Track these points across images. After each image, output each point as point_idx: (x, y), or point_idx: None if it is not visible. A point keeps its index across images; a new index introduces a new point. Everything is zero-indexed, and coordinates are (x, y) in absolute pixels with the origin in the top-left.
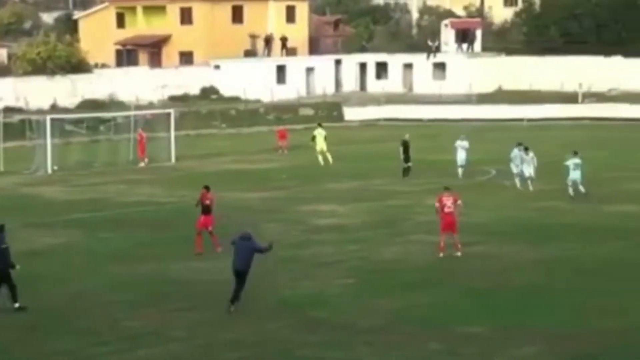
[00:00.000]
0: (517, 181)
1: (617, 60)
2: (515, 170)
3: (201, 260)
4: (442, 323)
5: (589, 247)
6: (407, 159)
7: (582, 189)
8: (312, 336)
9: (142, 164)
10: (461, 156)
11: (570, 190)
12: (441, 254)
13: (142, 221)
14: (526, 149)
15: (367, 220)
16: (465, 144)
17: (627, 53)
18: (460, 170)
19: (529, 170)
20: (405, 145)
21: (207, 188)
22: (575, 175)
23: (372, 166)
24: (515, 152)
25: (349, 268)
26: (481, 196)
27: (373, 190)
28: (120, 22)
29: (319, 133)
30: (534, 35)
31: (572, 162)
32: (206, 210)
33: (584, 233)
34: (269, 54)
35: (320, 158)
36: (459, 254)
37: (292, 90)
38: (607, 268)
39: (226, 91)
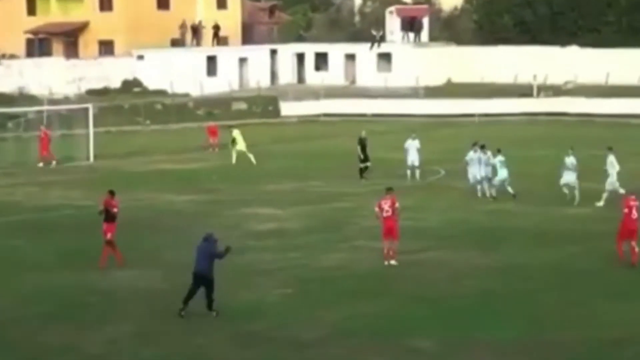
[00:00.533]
0: (484, 189)
1: (573, 51)
2: (473, 176)
3: (122, 268)
4: (388, 335)
5: (544, 253)
6: (364, 158)
7: (510, 189)
8: (247, 351)
9: (53, 164)
10: (412, 157)
11: (493, 192)
12: (386, 262)
13: (56, 227)
14: (482, 147)
15: (309, 224)
16: (417, 143)
17: (584, 43)
18: (409, 172)
19: (486, 171)
20: (363, 144)
21: (112, 193)
22: (502, 174)
23: (312, 166)
24: (471, 155)
25: (289, 276)
26: (430, 198)
27: (314, 192)
28: (31, 8)
29: (237, 134)
30: (485, 24)
31: (497, 160)
32: (110, 217)
33: (538, 238)
34: (198, 44)
35: (251, 157)
36: (393, 262)
37: (223, 83)
38: (563, 276)
39: (151, 84)
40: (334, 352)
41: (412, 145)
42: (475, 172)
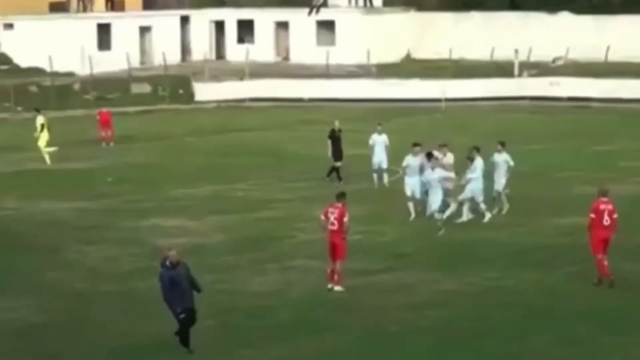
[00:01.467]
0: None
1: (565, 18)
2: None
3: None
4: None
5: (527, 274)
6: (337, 155)
7: (482, 206)
8: None
9: None
10: (379, 157)
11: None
12: (330, 285)
13: None
14: (477, 150)
15: (229, 239)
16: (384, 139)
17: (578, 8)
18: (375, 176)
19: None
20: (335, 137)
21: None
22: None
23: (235, 164)
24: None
25: (204, 306)
26: (386, 206)
27: (237, 198)
28: None
29: (40, 120)
30: None
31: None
32: None
33: (519, 255)
34: (85, 9)
35: (47, 154)
36: (338, 288)
37: (120, 59)
38: (551, 303)
39: (23, 60)
40: None
41: (379, 142)
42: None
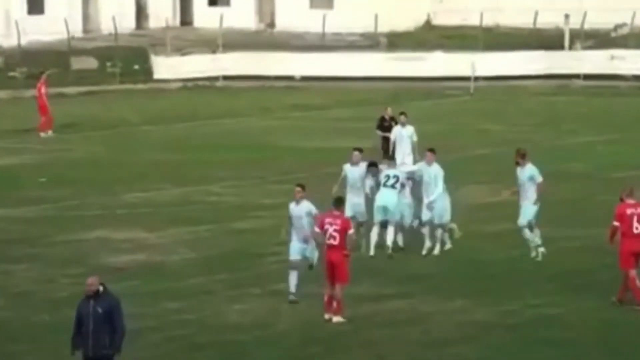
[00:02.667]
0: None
1: None
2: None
3: None
4: None
5: (581, 301)
6: (389, 151)
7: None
8: None
9: None
10: (403, 155)
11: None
12: (328, 316)
13: None
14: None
15: (198, 257)
16: (410, 132)
17: None
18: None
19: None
20: (386, 127)
21: None
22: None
23: (205, 161)
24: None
25: (165, 341)
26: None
27: (206, 203)
28: None
29: None
30: None
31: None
32: None
33: (569, 276)
34: None
35: None
36: (337, 319)
37: (56, 25)
38: (612, 338)
39: None
40: None
41: (404, 136)
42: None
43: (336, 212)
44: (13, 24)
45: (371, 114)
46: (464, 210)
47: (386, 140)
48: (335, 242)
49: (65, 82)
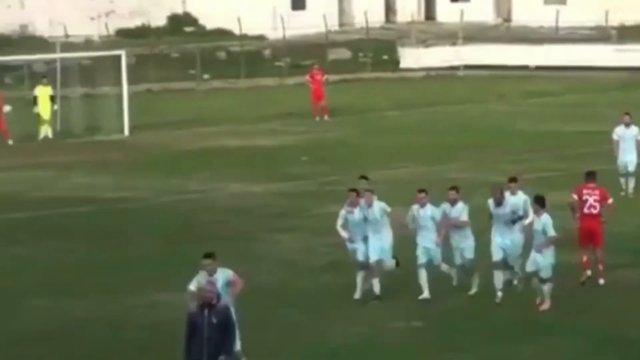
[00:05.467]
0: None
1: None
2: None
3: (168, 290)
4: None
5: None
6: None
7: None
8: None
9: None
10: (627, 156)
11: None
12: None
13: (75, 229)
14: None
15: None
16: (634, 132)
17: None
18: (622, 180)
19: None
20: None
21: None
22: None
23: (444, 143)
24: None
25: None
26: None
27: (446, 180)
28: None
29: (43, 91)
30: None
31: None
32: None
33: None
34: None
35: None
36: (602, 281)
37: (315, 19)
38: None
39: (209, 21)
40: None
41: (627, 137)
42: None
43: (591, 185)
44: (279, 19)
45: (601, 101)
46: None
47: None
48: (595, 211)
49: (322, 69)
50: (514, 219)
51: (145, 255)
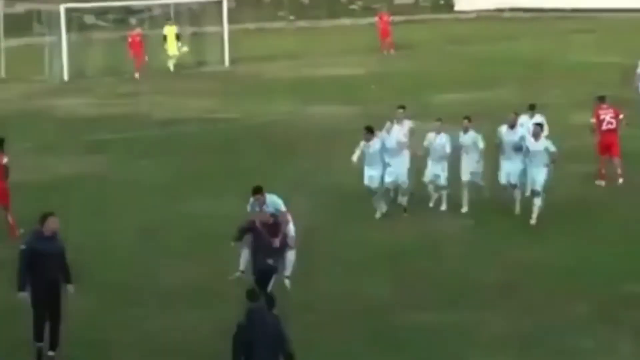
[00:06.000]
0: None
1: None
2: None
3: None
4: None
5: None
6: None
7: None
8: None
9: (136, 75)
10: None
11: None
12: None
13: (192, 144)
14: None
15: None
16: None
17: None
18: None
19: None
20: None
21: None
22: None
23: (490, 74)
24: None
25: None
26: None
27: (489, 101)
28: None
29: (170, 30)
30: None
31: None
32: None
33: None
34: None
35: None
36: (621, 180)
37: None
38: None
39: None
40: None
41: None
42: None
43: (604, 105)
44: None
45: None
46: None
47: None
48: (612, 126)
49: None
50: (519, 146)
51: (254, 163)
